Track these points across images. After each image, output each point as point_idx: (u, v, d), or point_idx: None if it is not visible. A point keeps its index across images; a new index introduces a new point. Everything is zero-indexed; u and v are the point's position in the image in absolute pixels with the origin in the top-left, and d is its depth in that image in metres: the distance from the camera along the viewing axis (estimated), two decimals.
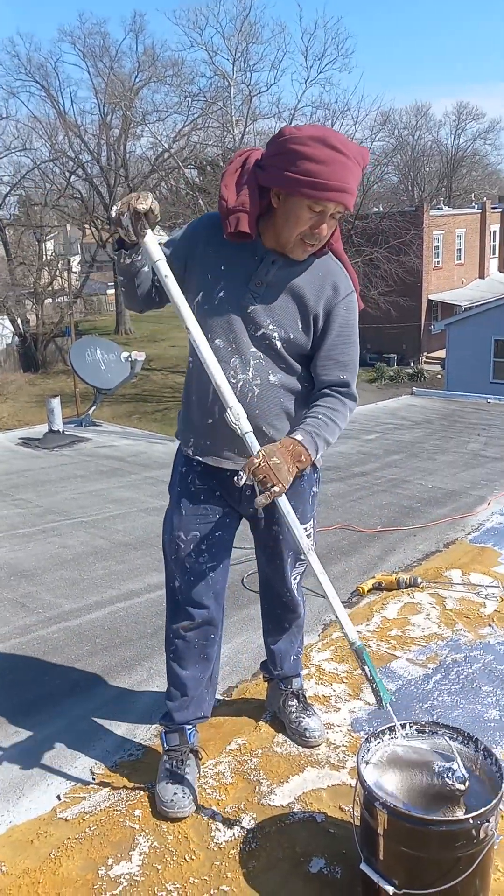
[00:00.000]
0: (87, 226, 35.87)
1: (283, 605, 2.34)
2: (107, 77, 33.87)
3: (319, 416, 1.94)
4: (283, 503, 1.83)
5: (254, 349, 1.93)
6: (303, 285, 1.92)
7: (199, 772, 2.20)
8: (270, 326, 1.92)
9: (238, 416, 1.82)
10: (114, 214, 1.80)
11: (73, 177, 34.59)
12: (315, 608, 3.36)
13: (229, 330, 1.92)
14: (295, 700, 2.44)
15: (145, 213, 1.78)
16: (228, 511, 2.13)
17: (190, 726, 2.23)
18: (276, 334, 1.92)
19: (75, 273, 33.14)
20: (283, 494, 1.81)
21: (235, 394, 1.87)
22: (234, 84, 29.71)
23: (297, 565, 2.27)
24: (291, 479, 1.81)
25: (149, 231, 1.83)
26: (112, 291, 38.59)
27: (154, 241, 1.86)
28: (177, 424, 2.18)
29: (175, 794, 2.08)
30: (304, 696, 2.48)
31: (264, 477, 1.76)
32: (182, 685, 2.18)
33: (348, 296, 1.97)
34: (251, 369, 1.94)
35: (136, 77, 33.83)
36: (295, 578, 2.30)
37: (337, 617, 1.87)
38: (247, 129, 29.71)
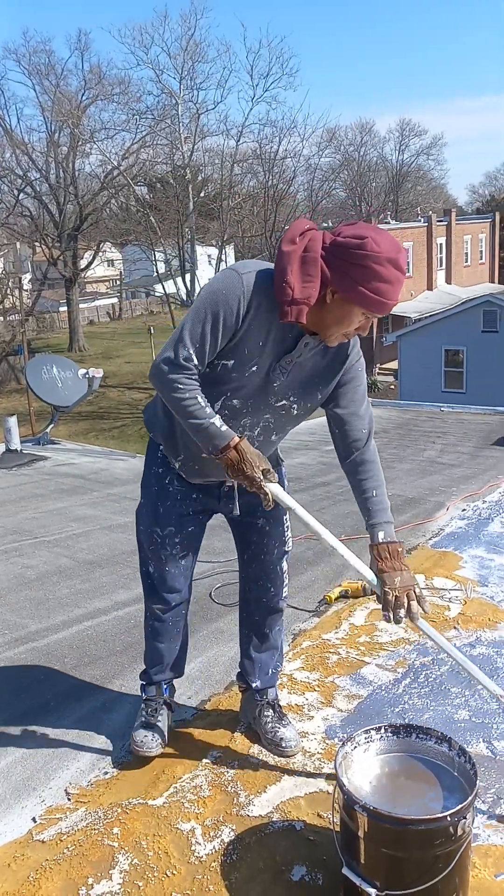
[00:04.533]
0: (37, 243, 35.55)
1: (264, 609, 2.38)
2: (53, 95, 33.73)
3: (375, 495, 2.10)
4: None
5: (268, 415, 2.05)
6: (325, 363, 2.01)
7: (170, 721, 2.44)
8: (291, 398, 2.03)
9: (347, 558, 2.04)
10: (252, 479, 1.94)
11: (21, 195, 34.31)
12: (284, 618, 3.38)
13: (250, 396, 1.99)
14: (270, 710, 2.45)
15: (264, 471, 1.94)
16: (203, 509, 2.26)
17: (166, 682, 2.44)
18: (295, 405, 2.04)
19: (26, 291, 32.77)
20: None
21: None
22: (181, 102, 29.92)
23: (284, 560, 2.35)
24: (410, 572, 2.04)
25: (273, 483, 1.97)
26: (64, 309, 38.25)
27: (281, 490, 2.00)
28: (156, 427, 2.18)
29: (146, 736, 2.33)
30: (279, 707, 2.49)
31: (407, 598, 1.97)
32: (160, 655, 2.40)
33: (360, 358, 2.09)
34: (258, 429, 2.07)
35: (83, 95, 33.81)
36: (283, 575, 2.35)
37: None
38: (195, 147, 29.91)
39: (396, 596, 1.96)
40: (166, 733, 2.39)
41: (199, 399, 1.90)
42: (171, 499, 2.20)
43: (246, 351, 1.90)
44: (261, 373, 1.94)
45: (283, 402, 2.01)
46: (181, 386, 1.88)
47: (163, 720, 2.39)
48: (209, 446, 1.92)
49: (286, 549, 2.34)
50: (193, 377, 1.89)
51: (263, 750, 2.41)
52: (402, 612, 1.96)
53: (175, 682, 2.52)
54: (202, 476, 2.15)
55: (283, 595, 2.40)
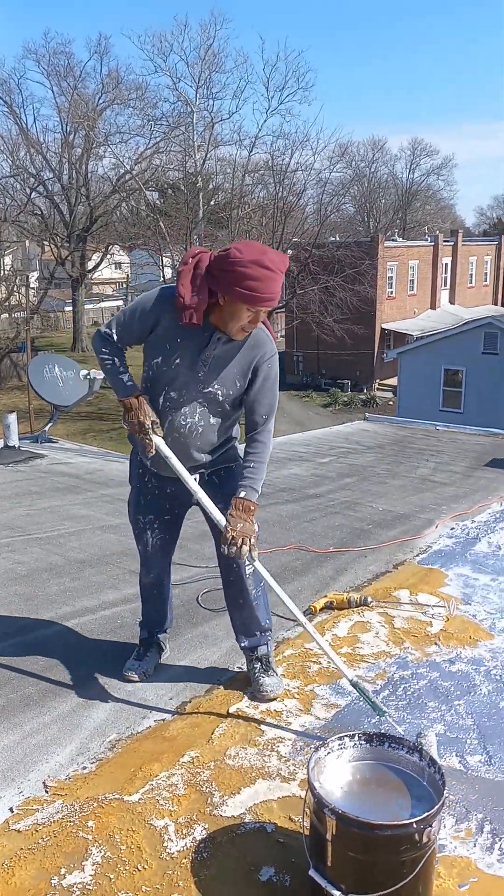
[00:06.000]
0: (46, 242, 35.68)
1: (233, 578, 2.73)
2: (70, 97, 33.96)
3: (252, 465, 2.59)
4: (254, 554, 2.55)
5: (201, 400, 2.57)
6: (240, 354, 2.54)
7: (158, 659, 3.03)
8: (216, 386, 2.55)
9: (202, 501, 2.55)
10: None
11: (33, 193, 34.46)
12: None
13: (183, 386, 2.54)
14: (258, 663, 2.83)
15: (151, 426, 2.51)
16: (178, 502, 2.79)
17: (157, 631, 3.04)
18: (220, 391, 2.56)
19: (33, 289, 32.83)
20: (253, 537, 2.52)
21: (184, 432, 2.57)
22: (196, 110, 30.08)
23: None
24: (254, 525, 2.53)
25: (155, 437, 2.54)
26: (70, 308, 38.35)
27: (162, 443, 2.55)
28: (131, 435, 2.64)
29: (132, 666, 2.93)
30: (268, 660, 2.86)
31: (241, 541, 2.47)
32: (145, 611, 3.04)
33: (272, 357, 2.60)
34: (197, 415, 2.59)
35: (100, 98, 34.02)
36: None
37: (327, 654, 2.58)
38: (208, 155, 30.09)
39: (233, 535, 2.46)
40: (151, 669, 2.97)
41: (116, 361, 2.59)
42: (150, 493, 2.77)
43: (167, 346, 2.51)
44: (186, 364, 2.50)
45: (210, 389, 2.54)
46: (104, 350, 2.60)
47: (151, 657, 2.99)
48: (119, 392, 2.56)
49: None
50: (113, 346, 2.58)
51: (240, 752, 2.45)
52: (234, 549, 2.46)
53: (157, 684, 2.89)
54: (169, 469, 2.59)
55: (247, 567, 2.68)
